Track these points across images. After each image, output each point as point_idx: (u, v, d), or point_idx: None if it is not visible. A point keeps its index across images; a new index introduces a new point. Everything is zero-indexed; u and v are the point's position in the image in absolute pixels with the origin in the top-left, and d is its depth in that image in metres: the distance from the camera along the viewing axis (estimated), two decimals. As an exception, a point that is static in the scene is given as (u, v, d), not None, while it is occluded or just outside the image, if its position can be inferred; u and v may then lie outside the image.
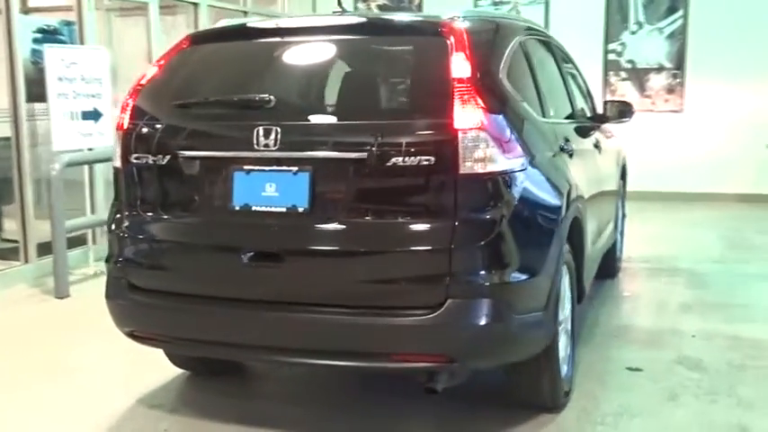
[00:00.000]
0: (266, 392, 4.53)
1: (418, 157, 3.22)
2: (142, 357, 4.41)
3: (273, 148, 3.36)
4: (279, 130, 3.35)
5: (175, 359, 4.40)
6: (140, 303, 3.66)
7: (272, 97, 3.42)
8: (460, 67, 3.32)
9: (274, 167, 3.41)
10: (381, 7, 11.86)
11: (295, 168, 3.37)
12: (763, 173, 10.51)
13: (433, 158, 3.22)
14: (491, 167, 3.27)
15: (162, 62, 3.82)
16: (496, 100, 3.42)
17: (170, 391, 4.39)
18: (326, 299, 3.35)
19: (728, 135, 10.61)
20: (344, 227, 3.33)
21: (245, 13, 10.16)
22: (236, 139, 3.49)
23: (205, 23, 9.17)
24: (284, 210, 3.40)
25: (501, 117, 3.37)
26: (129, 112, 3.73)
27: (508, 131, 3.39)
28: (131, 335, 3.77)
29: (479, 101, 3.27)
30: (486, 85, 3.37)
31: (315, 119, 3.48)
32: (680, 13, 10.77)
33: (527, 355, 3.56)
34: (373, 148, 3.25)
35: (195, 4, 9.17)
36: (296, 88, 3.74)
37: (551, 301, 3.61)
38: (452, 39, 3.42)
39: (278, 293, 3.40)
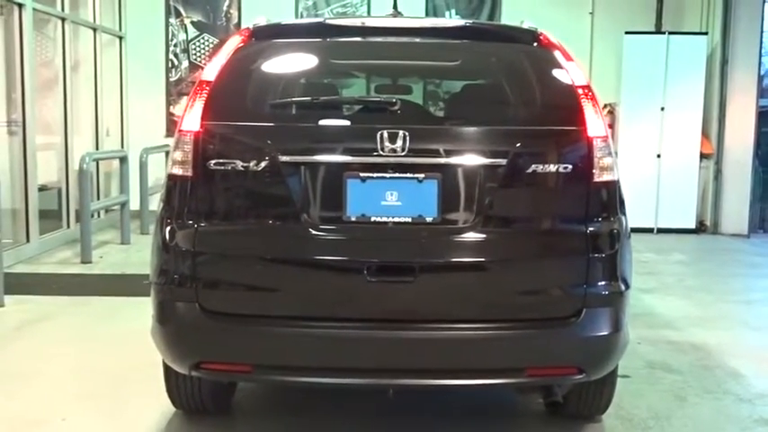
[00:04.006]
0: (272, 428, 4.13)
1: (556, 165, 3.18)
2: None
3: (401, 154, 3.12)
4: (407, 134, 3.12)
5: (181, 398, 3.85)
6: (220, 329, 3.18)
7: (397, 99, 3.18)
8: (579, 75, 3.33)
9: (396, 174, 3.16)
10: (196, 24, 11.36)
11: (421, 175, 3.15)
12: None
13: (569, 166, 3.19)
14: (612, 176, 3.30)
15: (226, 58, 3.37)
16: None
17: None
18: (461, 314, 3.15)
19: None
20: (479, 236, 3.17)
21: (63, 19, 9.23)
22: (353, 143, 3.19)
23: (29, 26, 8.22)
24: (409, 220, 3.16)
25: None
26: (200, 113, 3.24)
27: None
28: (196, 366, 3.26)
29: (599, 109, 3.30)
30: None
31: (445, 123, 3.29)
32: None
33: (617, 362, 3.60)
34: (511, 155, 3.15)
35: (20, 5, 8.16)
36: (410, 90, 3.50)
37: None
38: (556, 49, 3.43)
39: (407, 310, 3.14)
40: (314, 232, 3.18)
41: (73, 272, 7.61)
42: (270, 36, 3.55)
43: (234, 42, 3.45)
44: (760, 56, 10.70)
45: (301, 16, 11.11)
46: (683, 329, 5.92)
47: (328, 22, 3.78)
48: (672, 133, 10.65)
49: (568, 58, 3.40)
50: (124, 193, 9.35)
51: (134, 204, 9.56)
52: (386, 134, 3.12)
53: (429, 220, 3.16)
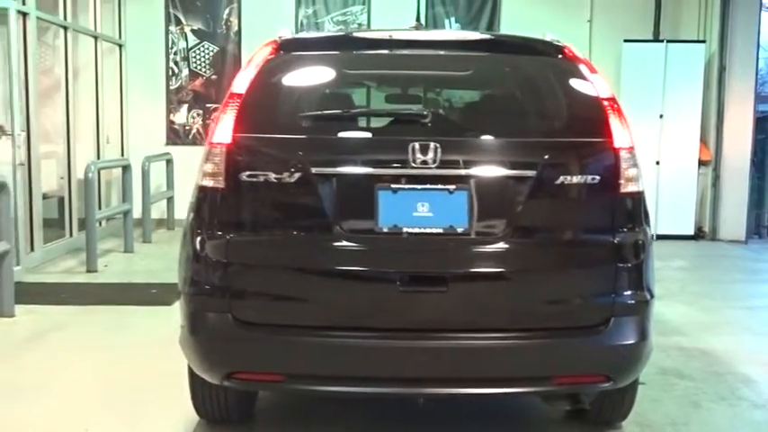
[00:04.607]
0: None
1: (584, 176, 3.23)
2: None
3: (432, 166, 3.16)
4: (438, 146, 3.16)
5: (206, 407, 3.86)
6: (253, 339, 3.21)
7: (428, 112, 3.22)
8: (604, 87, 3.39)
9: (428, 186, 3.20)
10: (196, 32, 11.37)
11: (452, 187, 3.19)
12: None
13: (597, 177, 3.25)
14: (637, 187, 3.36)
15: (256, 70, 3.40)
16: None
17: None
18: (492, 323, 3.20)
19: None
20: (509, 247, 3.21)
21: (65, 28, 9.23)
22: (384, 155, 3.23)
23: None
24: (440, 231, 3.20)
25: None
26: (231, 126, 3.27)
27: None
28: (228, 376, 3.29)
29: (624, 121, 3.36)
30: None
31: (475, 135, 3.33)
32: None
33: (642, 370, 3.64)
34: (540, 166, 3.20)
35: (24, 14, 8.15)
36: (440, 103, 3.55)
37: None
38: (581, 62, 3.48)
39: (439, 320, 3.18)
40: (346, 243, 3.21)
41: (79, 281, 7.61)
42: (297, 48, 3.59)
43: (262, 55, 3.49)
44: (757, 63, 10.80)
45: (301, 25, 11.14)
46: (691, 335, 5.98)
47: (356, 34, 3.83)
48: (670, 140, 10.73)
49: (593, 70, 3.46)
50: (127, 201, 9.34)
51: (135, 212, 9.55)
52: (417, 146, 3.16)
53: (460, 230, 3.20)
